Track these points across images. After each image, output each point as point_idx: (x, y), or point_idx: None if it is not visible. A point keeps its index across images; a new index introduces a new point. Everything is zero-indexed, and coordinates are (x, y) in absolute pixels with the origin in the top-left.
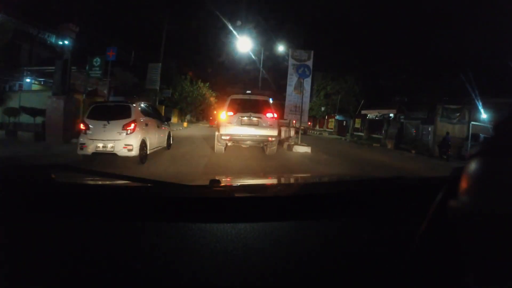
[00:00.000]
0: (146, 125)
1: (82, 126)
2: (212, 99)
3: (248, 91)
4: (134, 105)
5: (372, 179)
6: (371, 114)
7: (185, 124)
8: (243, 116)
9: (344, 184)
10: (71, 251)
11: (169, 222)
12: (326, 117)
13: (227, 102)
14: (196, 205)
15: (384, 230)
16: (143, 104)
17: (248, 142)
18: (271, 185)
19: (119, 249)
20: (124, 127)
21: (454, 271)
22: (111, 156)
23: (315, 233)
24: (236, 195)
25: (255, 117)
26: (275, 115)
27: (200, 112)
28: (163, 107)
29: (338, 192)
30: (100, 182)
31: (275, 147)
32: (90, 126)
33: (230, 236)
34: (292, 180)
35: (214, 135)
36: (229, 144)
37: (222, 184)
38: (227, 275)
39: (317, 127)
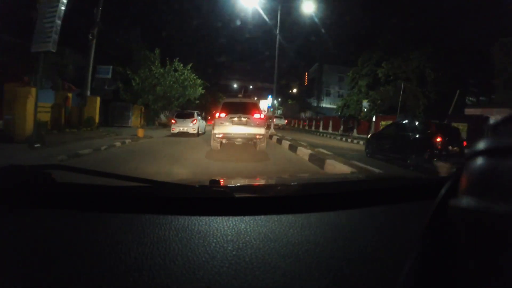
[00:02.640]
0: (198, 120)
1: (173, 121)
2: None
3: (240, 95)
4: (196, 112)
5: (373, 179)
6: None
7: (139, 132)
8: (234, 117)
9: (345, 184)
10: (69, 249)
11: (168, 222)
12: (375, 119)
13: (220, 105)
14: (196, 205)
15: (384, 229)
16: (197, 111)
17: (239, 140)
18: (271, 185)
19: (116, 248)
20: (192, 121)
21: (455, 270)
22: (185, 134)
23: (315, 232)
24: (236, 195)
25: (244, 117)
26: (262, 116)
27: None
28: (97, 99)
29: (339, 192)
30: (100, 182)
31: (264, 144)
32: (177, 121)
33: (230, 236)
34: (292, 180)
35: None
36: (223, 141)
37: (222, 184)
38: (227, 274)
39: (355, 133)
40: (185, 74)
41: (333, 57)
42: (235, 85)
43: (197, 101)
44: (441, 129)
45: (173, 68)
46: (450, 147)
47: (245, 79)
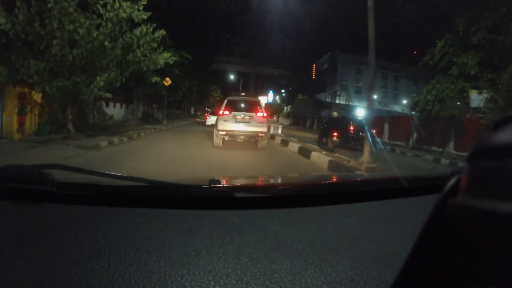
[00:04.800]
0: None
1: (207, 116)
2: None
3: (243, 93)
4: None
5: (375, 181)
6: None
7: None
8: (237, 115)
9: (345, 185)
10: (67, 246)
11: (168, 222)
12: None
13: (224, 103)
14: (196, 205)
15: (386, 226)
16: None
17: (241, 137)
18: (272, 185)
19: (115, 247)
20: None
21: (454, 271)
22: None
23: (315, 230)
24: (236, 195)
25: (248, 115)
26: (265, 114)
27: (148, 100)
28: None
29: (339, 192)
30: (99, 182)
31: (265, 142)
32: (210, 117)
33: (229, 235)
34: (293, 180)
35: None
36: (225, 138)
37: (222, 184)
38: (226, 275)
39: (451, 148)
40: (122, 9)
41: (348, 44)
42: (232, 76)
43: (156, 79)
44: (354, 122)
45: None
46: (361, 133)
47: (245, 62)
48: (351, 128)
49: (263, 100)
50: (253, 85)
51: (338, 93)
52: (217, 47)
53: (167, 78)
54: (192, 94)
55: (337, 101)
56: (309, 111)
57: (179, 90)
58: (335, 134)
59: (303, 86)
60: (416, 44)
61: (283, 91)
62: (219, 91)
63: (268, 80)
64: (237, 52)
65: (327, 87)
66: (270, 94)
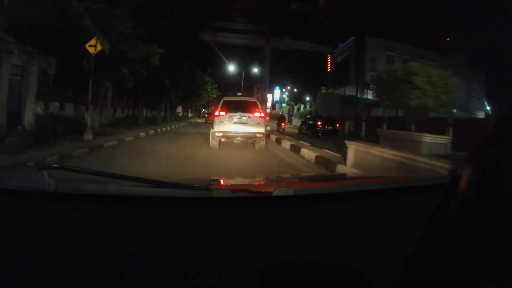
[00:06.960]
0: None
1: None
2: None
3: (239, 93)
4: None
5: (375, 181)
6: None
7: None
8: (234, 115)
9: (345, 185)
10: (68, 248)
11: (167, 222)
12: None
13: (220, 103)
14: (196, 205)
15: (384, 228)
16: None
17: (238, 138)
18: (271, 185)
19: (114, 245)
20: None
21: (454, 269)
22: None
23: (314, 227)
24: (236, 195)
25: (245, 116)
26: (262, 114)
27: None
28: None
29: (339, 192)
30: (99, 182)
31: (263, 143)
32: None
33: (230, 234)
34: (293, 180)
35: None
36: (222, 140)
37: (222, 184)
38: (226, 273)
39: None
40: None
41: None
42: (231, 68)
43: None
44: (322, 118)
45: None
46: (326, 127)
47: (255, 31)
48: (319, 122)
49: (268, 98)
50: (266, 76)
51: (371, 86)
52: (212, 7)
53: (94, 40)
54: (161, 77)
55: (369, 97)
56: (336, 109)
57: (120, 62)
58: (283, 124)
59: (319, 79)
60: (449, 31)
61: (284, 90)
62: (216, 85)
63: (292, 58)
64: (242, 13)
65: (351, 79)
66: (277, 90)
